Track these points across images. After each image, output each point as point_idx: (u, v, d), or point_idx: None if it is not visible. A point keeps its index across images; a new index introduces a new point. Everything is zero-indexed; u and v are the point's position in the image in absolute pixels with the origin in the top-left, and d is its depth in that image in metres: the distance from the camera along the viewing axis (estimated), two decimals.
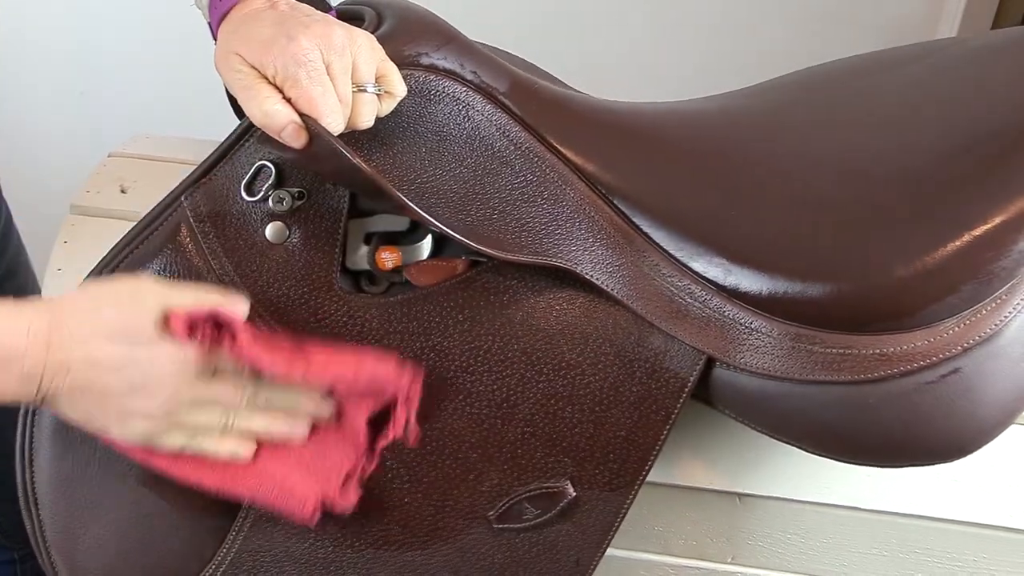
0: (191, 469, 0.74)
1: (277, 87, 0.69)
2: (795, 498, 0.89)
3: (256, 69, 0.69)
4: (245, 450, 0.74)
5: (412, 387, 0.74)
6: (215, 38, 0.75)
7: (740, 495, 0.89)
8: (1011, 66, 0.83)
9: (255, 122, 0.70)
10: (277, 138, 0.69)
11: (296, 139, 0.69)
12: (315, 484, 0.74)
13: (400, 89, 0.73)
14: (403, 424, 0.74)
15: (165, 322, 0.69)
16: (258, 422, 0.73)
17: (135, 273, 0.76)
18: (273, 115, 0.69)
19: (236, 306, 0.71)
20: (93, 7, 1.78)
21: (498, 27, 1.17)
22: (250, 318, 0.75)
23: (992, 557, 0.90)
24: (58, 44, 1.77)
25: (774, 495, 0.89)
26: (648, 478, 0.79)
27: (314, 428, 0.75)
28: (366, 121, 0.72)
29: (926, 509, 0.89)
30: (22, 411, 0.76)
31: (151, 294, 0.70)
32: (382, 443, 0.75)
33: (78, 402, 0.69)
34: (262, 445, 0.75)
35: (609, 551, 0.81)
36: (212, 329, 0.70)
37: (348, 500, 0.75)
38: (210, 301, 0.70)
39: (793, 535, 0.91)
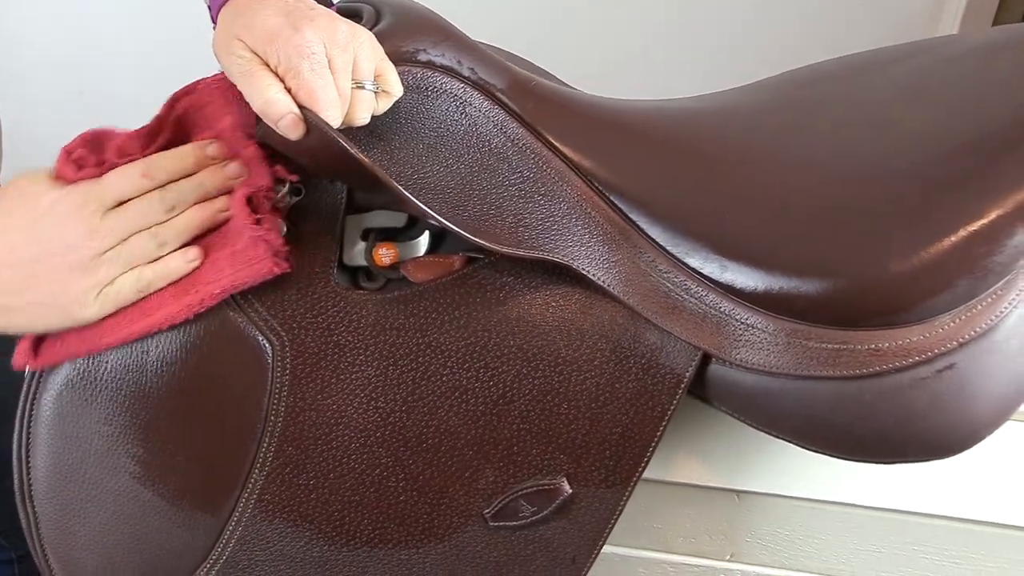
0: (165, 310, 0.74)
1: (278, 76, 0.70)
2: (793, 495, 0.89)
3: (258, 56, 0.70)
4: (194, 254, 0.74)
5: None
6: (214, 22, 0.76)
7: (738, 492, 0.90)
8: (1007, 63, 0.83)
9: (254, 108, 0.70)
10: (274, 127, 0.69)
11: (294, 130, 0.69)
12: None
13: (397, 89, 0.73)
14: None
15: (54, 177, 0.71)
16: (184, 220, 0.74)
17: None
18: (273, 103, 0.69)
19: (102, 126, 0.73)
20: (93, 7, 1.79)
21: (497, 25, 1.17)
22: (247, 312, 0.75)
23: (990, 553, 0.91)
24: (58, 44, 1.78)
25: (772, 492, 0.89)
26: (646, 475, 0.79)
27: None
28: (362, 118, 0.72)
29: (924, 506, 0.89)
30: (19, 409, 0.76)
31: (30, 175, 0.72)
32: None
33: (16, 299, 0.71)
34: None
35: (607, 548, 0.81)
36: (94, 153, 0.72)
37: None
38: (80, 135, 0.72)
39: (791, 532, 0.91)
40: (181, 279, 0.74)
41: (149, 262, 0.73)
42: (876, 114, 0.83)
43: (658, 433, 0.78)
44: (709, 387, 0.78)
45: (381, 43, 0.76)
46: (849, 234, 0.74)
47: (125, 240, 0.72)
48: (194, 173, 0.75)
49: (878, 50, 0.94)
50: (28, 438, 0.77)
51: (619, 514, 0.79)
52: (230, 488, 0.77)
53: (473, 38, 0.82)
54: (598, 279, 0.77)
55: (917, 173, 0.76)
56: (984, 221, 0.72)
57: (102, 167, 0.72)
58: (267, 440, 0.77)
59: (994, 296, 0.74)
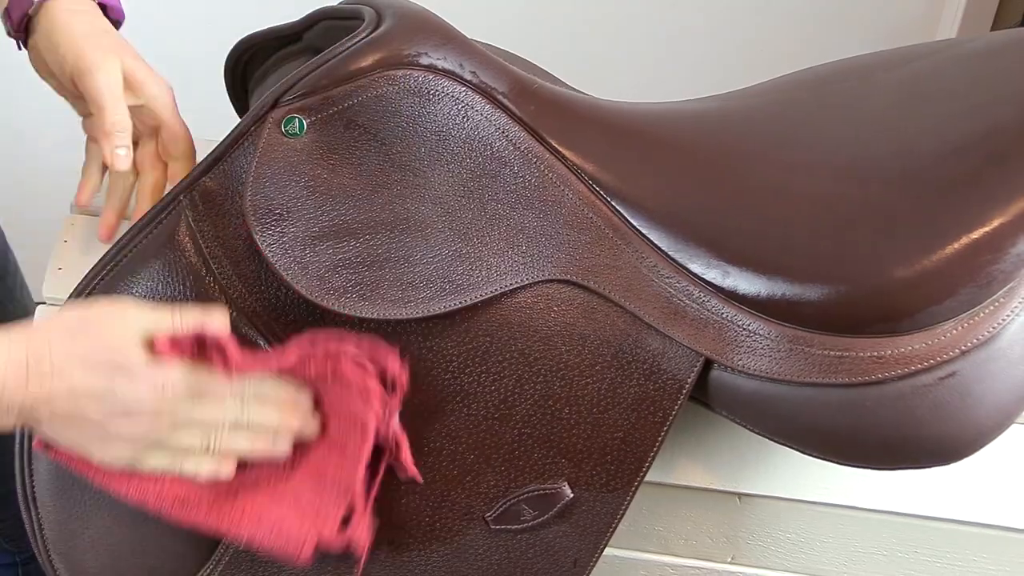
0: (182, 507, 0.73)
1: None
2: (795, 498, 0.89)
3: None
4: (227, 469, 0.73)
5: (399, 373, 0.74)
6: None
7: (740, 495, 0.89)
8: (1010, 67, 0.83)
9: None
10: None
11: None
12: (311, 524, 0.73)
13: None
14: (397, 449, 0.74)
15: (150, 346, 0.68)
16: (241, 441, 0.72)
17: (130, 276, 0.76)
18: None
19: (218, 321, 0.70)
20: None
21: (498, 26, 1.17)
22: (249, 318, 0.75)
23: (993, 557, 0.91)
24: None
25: (774, 495, 0.89)
26: (648, 478, 0.79)
27: (307, 463, 0.75)
28: None
29: (926, 509, 0.89)
30: None
31: (133, 318, 0.69)
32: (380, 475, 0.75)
33: (60, 430, 0.68)
34: (256, 484, 0.74)
35: (609, 551, 0.82)
36: (197, 347, 0.69)
37: (355, 540, 0.74)
38: (192, 319, 0.69)
39: (793, 535, 0.91)
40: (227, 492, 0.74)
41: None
42: (879, 118, 0.83)
43: (659, 438, 0.78)
44: (711, 393, 0.78)
45: (382, 47, 0.76)
46: (852, 241, 0.74)
47: (177, 429, 0.70)
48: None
49: (879, 53, 0.94)
50: (30, 442, 0.77)
51: (620, 518, 0.79)
52: None
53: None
54: (599, 285, 0.77)
55: (920, 179, 0.76)
56: (988, 229, 0.72)
57: (198, 357, 0.70)
58: None
59: (996, 304, 0.74)
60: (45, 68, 0.84)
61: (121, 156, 0.77)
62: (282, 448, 0.74)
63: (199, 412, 0.70)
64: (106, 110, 0.78)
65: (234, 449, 0.72)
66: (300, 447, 0.75)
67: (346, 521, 0.74)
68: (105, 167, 0.86)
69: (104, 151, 0.77)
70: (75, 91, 0.81)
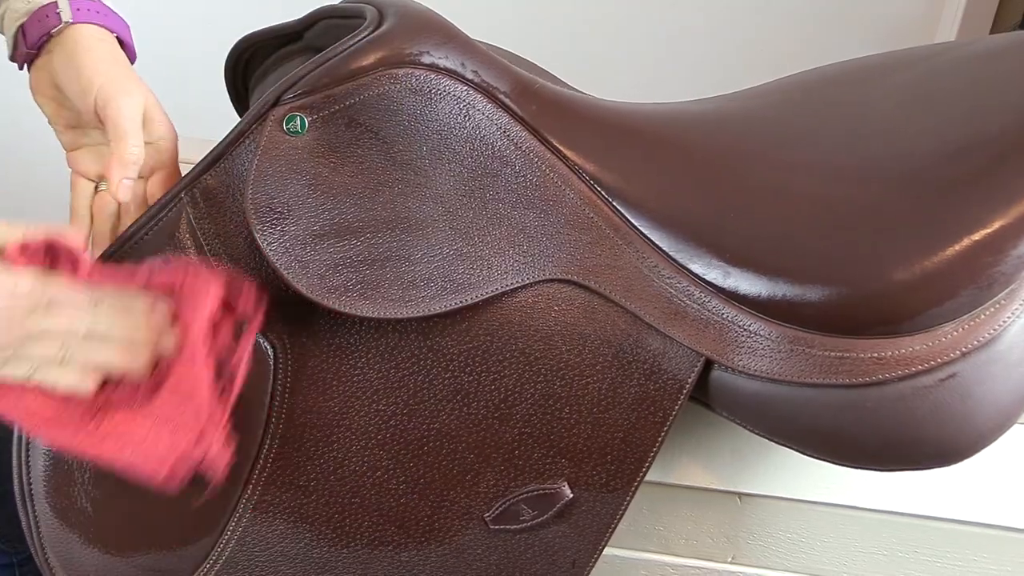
0: (49, 426, 0.72)
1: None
2: (796, 497, 0.90)
3: None
4: (87, 383, 0.71)
5: (249, 298, 0.73)
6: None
7: (741, 494, 0.90)
8: (1010, 70, 0.83)
9: None
10: None
11: None
12: (171, 440, 0.72)
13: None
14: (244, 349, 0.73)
15: (1, 253, 0.67)
16: (98, 352, 0.71)
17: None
18: None
19: (72, 234, 0.70)
20: None
21: (498, 26, 1.17)
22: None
23: (993, 556, 0.91)
24: None
25: (775, 495, 0.90)
26: (648, 477, 0.79)
27: (168, 381, 0.73)
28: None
29: (927, 509, 0.89)
30: None
31: None
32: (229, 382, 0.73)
33: None
34: (119, 403, 0.73)
35: (609, 550, 0.82)
36: (48, 258, 0.69)
37: (210, 457, 0.73)
38: (45, 230, 0.69)
39: (793, 535, 0.91)
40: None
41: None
42: (880, 120, 0.83)
43: (659, 438, 0.78)
44: (711, 393, 0.78)
45: (384, 45, 0.76)
46: (852, 242, 0.74)
47: (31, 338, 0.69)
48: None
49: (880, 55, 0.94)
50: (27, 439, 0.77)
51: (620, 519, 0.79)
52: (231, 488, 0.77)
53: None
54: (600, 284, 0.77)
55: (921, 181, 0.76)
56: (989, 230, 0.72)
57: (53, 266, 0.70)
58: (268, 441, 0.77)
59: (997, 306, 0.74)
60: (52, 90, 0.84)
61: (127, 187, 0.76)
62: (140, 361, 0.73)
63: (52, 321, 0.69)
64: (129, 139, 0.77)
65: (92, 360, 0.71)
66: (161, 365, 0.74)
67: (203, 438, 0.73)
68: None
69: (111, 178, 0.76)
70: (90, 116, 0.80)
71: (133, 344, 0.72)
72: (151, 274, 0.73)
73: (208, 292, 0.72)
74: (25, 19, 0.82)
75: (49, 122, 0.86)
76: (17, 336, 0.68)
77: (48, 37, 0.82)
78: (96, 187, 0.85)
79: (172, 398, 0.73)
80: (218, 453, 0.73)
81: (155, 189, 0.83)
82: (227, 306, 0.74)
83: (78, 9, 0.82)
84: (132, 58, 0.84)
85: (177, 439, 0.72)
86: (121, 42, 0.84)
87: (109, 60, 0.81)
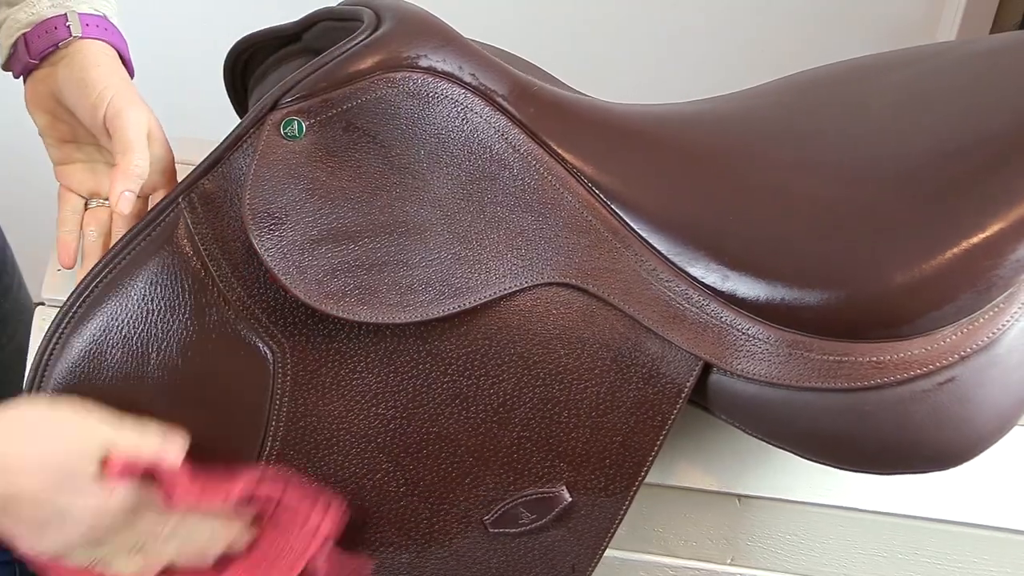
0: None
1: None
2: (795, 499, 0.89)
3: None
4: (152, 571, 0.73)
5: (328, 520, 0.75)
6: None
7: (740, 496, 0.90)
8: (1010, 71, 0.83)
9: None
10: None
11: None
12: None
13: None
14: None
15: (103, 464, 0.68)
16: (171, 548, 0.73)
17: (128, 278, 0.76)
18: None
19: (175, 451, 0.71)
20: None
21: (498, 27, 1.17)
22: (248, 320, 0.75)
23: (993, 558, 0.91)
24: None
25: (774, 496, 0.89)
26: (648, 479, 0.79)
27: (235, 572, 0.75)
28: None
29: (927, 510, 0.89)
30: None
31: (95, 430, 0.69)
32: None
33: None
34: None
35: (609, 552, 0.82)
36: (147, 473, 0.70)
37: None
38: (152, 445, 0.70)
39: (793, 536, 0.91)
40: None
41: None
42: (879, 121, 0.83)
43: (658, 442, 0.78)
44: (710, 397, 0.78)
45: (381, 49, 0.75)
46: (851, 245, 0.74)
47: (110, 537, 0.70)
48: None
49: (879, 56, 0.93)
50: None
51: (619, 523, 0.79)
52: None
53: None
54: (598, 288, 0.77)
55: (920, 184, 0.76)
56: (987, 234, 0.72)
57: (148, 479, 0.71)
58: (269, 445, 0.77)
59: (996, 309, 0.73)
60: (51, 103, 0.84)
61: (128, 199, 0.76)
62: (210, 560, 0.75)
63: (135, 526, 0.71)
64: (135, 151, 0.77)
65: (163, 555, 0.73)
66: (228, 560, 0.76)
67: None
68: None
69: (115, 188, 0.76)
70: (97, 129, 0.80)
71: (206, 550, 0.74)
72: (244, 490, 0.73)
73: (309, 522, 0.74)
74: (28, 30, 0.82)
75: (40, 134, 0.86)
76: (95, 538, 0.69)
77: (55, 49, 0.82)
78: (86, 203, 0.85)
79: None
80: None
81: (141, 208, 0.83)
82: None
83: (87, 24, 0.82)
84: (131, 74, 0.85)
85: None
86: (122, 58, 0.84)
87: (117, 75, 0.81)
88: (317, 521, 0.75)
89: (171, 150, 0.82)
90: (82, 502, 0.67)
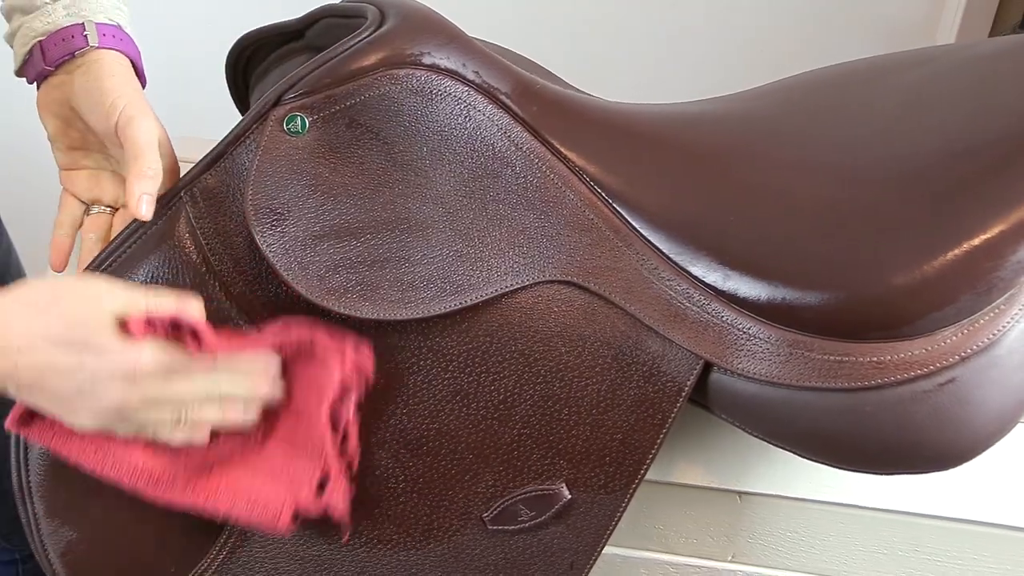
0: (156, 484, 0.73)
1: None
2: (796, 496, 0.90)
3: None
4: (199, 437, 0.73)
5: (363, 361, 0.75)
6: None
7: (741, 493, 0.90)
8: (1011, 74, 0.83)
9: None
10: None
11: None
12: (286, 492, 0.74)
13: None
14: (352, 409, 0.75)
15: (123, 326, 0.68)
16: (212, 411, 0.73)
17: (129, 272, 0.76)
18: None
19: (194, 308, 0.71)
20: None
21: (498, 26, 1.17)
22: (249, 315, 0.75)
23: (992, 555, 0.91)
24: None
25: (775, 493, 0.90)
26: (648, 476, 0.79)
27: (277, 433, 0.76)
28: None
29: (926, 507, 0.89)
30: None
31: (106, 297, 0.69)
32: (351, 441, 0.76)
33: (28, 396, 0.69)
34: (228, 457, 0.75)
35: (609, 549, 0.82)
36: (171, 329, 0.70)
37: (332, 505, 0.75)
38: (167, 304, 0.70)
39: (793, 533, 0.92)
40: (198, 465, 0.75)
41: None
42: (881, 123, 0.83)
43: (658, 441, 0.78)
44: (710, 396, 0.78)
45: (385, 45, 0.75)
46: (852, 246, 0.74)
47: (148, 405, 0.70)
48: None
49: (881, 57, 0.93)
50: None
51: (618, 520, 0.79)
52: None
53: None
54: (599, 286, 0.77)
55: (921, 185, 0.76)
56: (988, 235, 0.72)
57: (171, 338, 0.70)
58: None
59: (996, 311, 0.74)
60: (63, 109, 0.84)
61: (148, 200, 0.76)
62: (252, 416, 0.75)
63: (171, 389, 0.70)
64: (147, 156, 0.77)
65: (206, 419, 0.73)
66: (268, 417, 0.76)
67: (322, 487, 0.75)
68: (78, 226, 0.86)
69: (132, 192, 0.75)
70: (109, 136, 0.80)
71: (247, 402, 0.74)
72: (269, 338, 0.74)
73: (333, 360, 0.74)
74: (44, 38, 0.83)
75: (49, 138, 0.86)
76: (134, 404, 0.69)
77: (71, 57, 0.82)
78: (87, 210, 0.86)
79: (284, 450, 0.75)
80: (338, 500, 0.75)
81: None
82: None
83: (103, 35, 0.83)
84: (143, 83, 0.85)
85: (294, 491, 0.74)
86: (135, 67, 0.84)
87: (130, 85, 0.82)
88: (342, 359, 0.74)
89: (176, 160, 0.83)
90: (110, 362, 0.67)
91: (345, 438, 0.75)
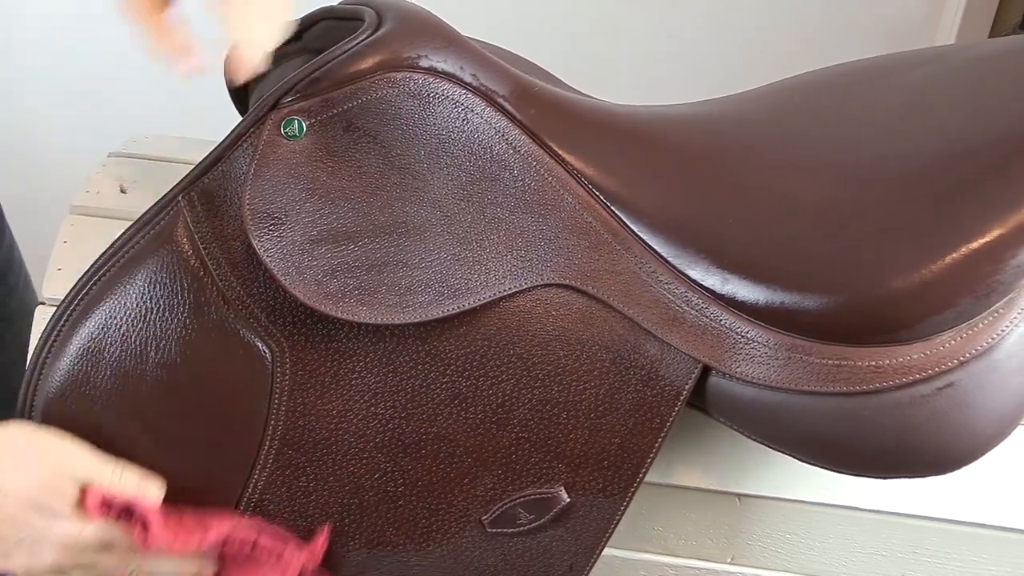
0: None
1: None
2: (795, 498, 0.90)
3: None
4: None
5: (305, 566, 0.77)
6: None
7: (740, 495, 0.90)
8: (1011, 75, 0.83)
9: None
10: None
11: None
12: None
13: None
14: None
15: (81, 495, 0.71)
16: None
17: (127, 276, 0.76)
18: None
19: (152, 495, 0.73)
20: (94, 7, 1.77)
21: (498, 26, 1.17)
22: (247, 320, 0.75)
23: (993, 557, 0.91)
24: (58, 44, 1.77)
25: (774, 495, 0.90)
26: (648, 478, 0.79)
27: None
28: None
29: (927, 509, 0.89)
30: (19, 404, 0.76)
31: (76, 461, 0.72)
32: None
33: None
34: None
35: (608, 551, 0.82)
36: (123, 512, 0.72)
37: None
38: (130, 484, 0.72)
39: (793, 535, 0.91)
40: None
41: None
42: (880, 125, 0.83)
43: (656, 444, 0.78)
44: (708, 399, 0.78)
45: (383, 49, 0.75)
46: (851, 250, 0.74)
47: (75, 568, 0.72)
48: None
49: (882, 57, 0.93)
50: None
51: (617, 523, 0.79)
52: (231, 490, 0.77)
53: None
54: (597, 290, 0.77)
55: (921, 188, 0.76)
56: (988, 239, 0.72)
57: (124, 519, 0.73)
58: (267, 444, 0.77)
59: (995, 315, 0.74)
60: None
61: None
62: None
63: (103, 560, 0.73)
64: None
65: None
66: None
67: None
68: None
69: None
70: None
71: None
72: (213, 535, 0.75)
73: (272, 567, 0.76)
74: None
75: None
76: (62, 565, 0.71)
77: None
78: None
79: None
80: None
81: None
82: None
83: None
84: None
85: None
86: None
87: None
88: (288, 566, 0.76)
89: None
90: (57, 529, 0.70)
91: None
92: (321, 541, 0.77)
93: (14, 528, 0.69)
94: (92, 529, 0.71)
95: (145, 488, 0.73)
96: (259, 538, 0.76)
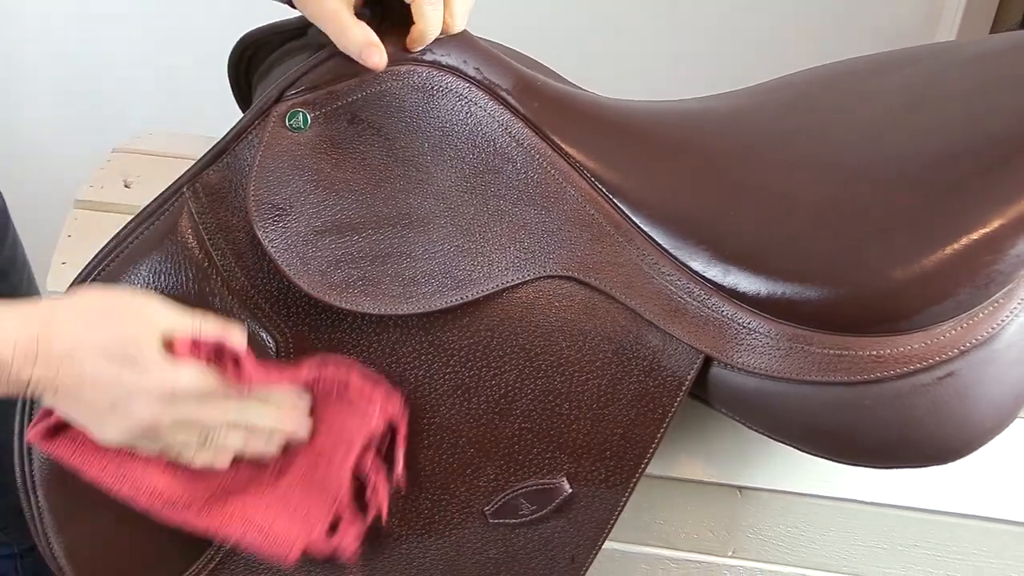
0: (172, 507, 0.74)
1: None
2: (796, 491, 0.90)
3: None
4: (221, 462, 0.74)
5: (398, 417, 0.76)
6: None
7: (741, 488, 0.90)
8: (1011, 70, 0.83)
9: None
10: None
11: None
12: (300, 528, 0.75)
13: None
14: (399, 464, 0.76)
15: (168, 345, 0.69)
16: (236, 439, 0.74)
17: (131, 266, 0.76)
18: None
19: (238, 336, 0.72)
20: (96, 6, 1.78)
21: (502, 24, 1.17)
22: (251, 310, 0.75)
23: (993, 550, 0.91)
24: (62, 40, 1.77)
25: (775, 488, 0.90)
26: (649, 471, 0.80)
27: (296, 469, 0.76)
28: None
29: (928, 502, 0.89)
30: (20, 401, 0.77)
31: (156, 315, 0.70)
32: (371, 491, 0.77)
33: (61, 404, 0.69)
34: (245, 486, 0.76)
35: (609, 544, 0.82)
36: (214, 354, 0.71)
37: (342, 548, 0.76)
38: (212, 329, 0.71)
39: (794, 528, 0.92)
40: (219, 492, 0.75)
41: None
42: (880, 120, 0.83)
43: (658, 435, 0.78)
44: (710, 390, 0.79)
45: (387, 42, 0.75)
46: (852, 241, 0.75)
47: (177, 426, 0.71)
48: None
49: (881, 55, 0.94)
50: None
51: (618, 514, 0.80)
52: None
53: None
54: (600, 281, 0.77)
55: (921, 180, 0.76)
56: (987, 230, 0.72)
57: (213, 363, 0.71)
58: None
59: (995, 305, 0.74)
60: None
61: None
62: (273, 448, 0.76)
63: (202, 413, 0.71)
64: None
65: (230, 446, 0.74)
66: (291, 452, 0.77)
67: (334, 528, 0.76)
68: None
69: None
70: None
71: (271, 434, 0.75)
72: (304, 373, 0.75)
73: (364, 407, 0.75)
74: None
75: None
76: (165, 423, 0.70)
77: None
78: None
79: (302, 486, 0.76)
80: (348, 544, 0.77)
81: None
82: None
83: None
84: None
85: (307, 529, 0.75)
86: None
87: None
88: (376, 407, 0.75)
89: None
90: (149, 380, 0.68)
91: (367, 487, 0.77)
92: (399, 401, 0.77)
93: (102, 390, 0.67)
94: (186, 375, 0.69)
95: (229, 330, 0.72)
96: (351, 377, 0.75)
